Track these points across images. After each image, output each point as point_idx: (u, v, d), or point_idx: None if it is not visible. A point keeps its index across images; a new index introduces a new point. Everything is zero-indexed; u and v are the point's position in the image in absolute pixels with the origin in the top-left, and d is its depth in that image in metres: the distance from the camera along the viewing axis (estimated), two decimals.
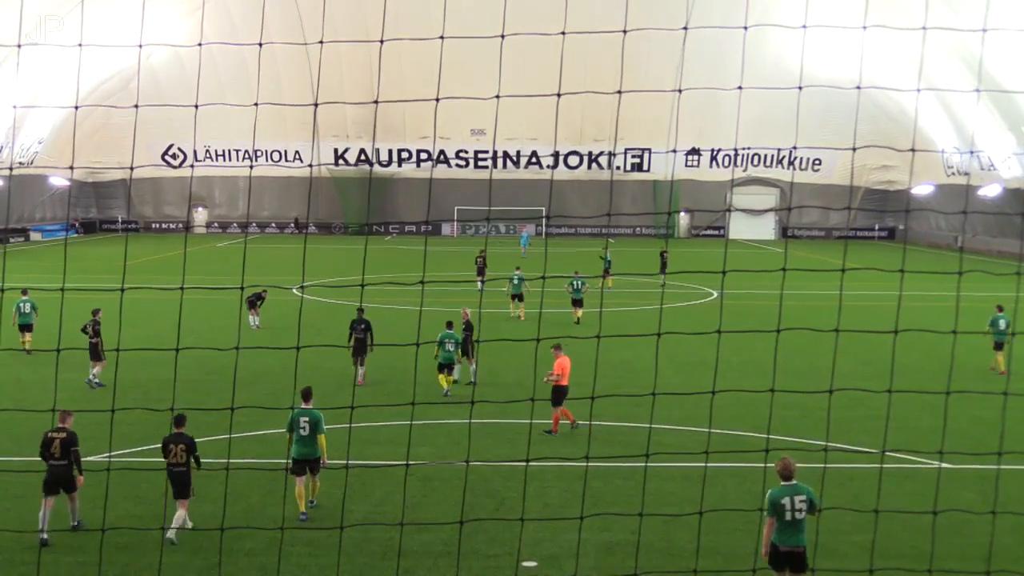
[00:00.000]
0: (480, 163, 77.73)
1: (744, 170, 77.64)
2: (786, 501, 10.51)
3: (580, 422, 18.64)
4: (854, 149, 68.05)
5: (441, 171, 76.78)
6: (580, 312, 32.56)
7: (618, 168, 77.82)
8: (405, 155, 77.98)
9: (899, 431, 18.22)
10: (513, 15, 57.26)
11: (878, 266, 40.87)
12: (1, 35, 46.00)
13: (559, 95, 9.89)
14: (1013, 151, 58.10)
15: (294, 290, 36.63)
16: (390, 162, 78.09)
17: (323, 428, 14.08)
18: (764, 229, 79.54)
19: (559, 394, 18.31)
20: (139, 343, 23.84)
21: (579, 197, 77.00)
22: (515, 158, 77.34)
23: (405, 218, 77.91)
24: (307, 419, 14.02)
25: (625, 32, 10.72)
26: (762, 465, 13.80)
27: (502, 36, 9.81)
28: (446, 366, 21.65)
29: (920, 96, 60.43)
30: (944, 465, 15.99)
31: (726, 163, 76.54)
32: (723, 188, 76.82)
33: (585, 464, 14.77)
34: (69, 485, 13.17)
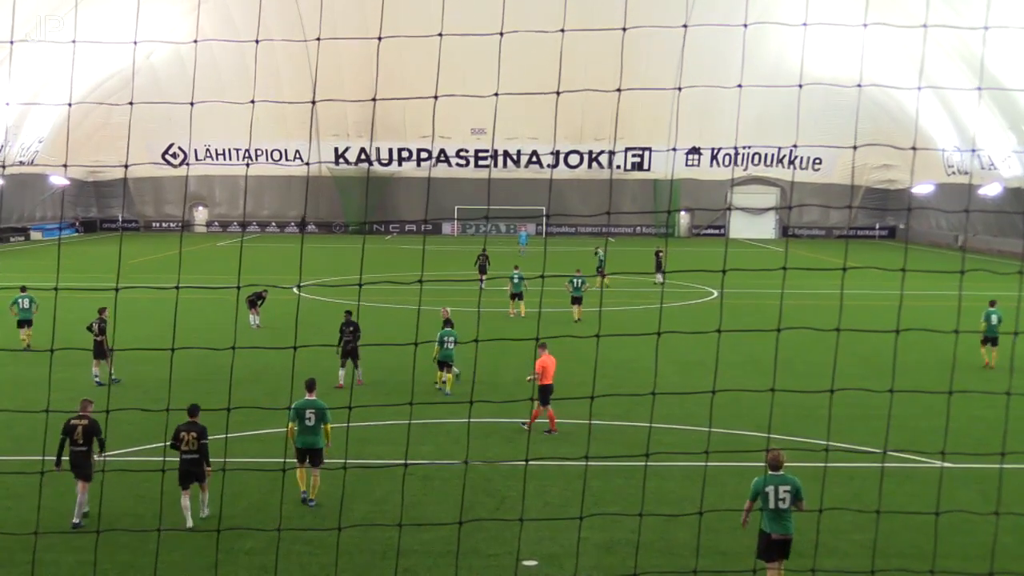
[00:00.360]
0: (480, 162, 77.68)
1: (744, 169, 77.57)
2: (769, 490, 10.94)
3: (576, 421, 18.59)
4: (854, 148, 68.06)
5: (441, 170, 76.75)
6: (579, 310, 32.59)
7: (618, 167, 77.76)
8: (405, 154, 77.94)
9: (900, 430, 18.18)
10: (513, 13, 57.24)
11: (879, 265, 40.84)
12: (1, 35, 45.94)
13: (558, 93, 9.85)
14: (1013, 150, 58.03)
15: (294, 289, 36.60)
16: (390, 161, 78.04)
17: (329, 418, 14.41)
18: (764, 228, 79.49)
19: (545, 392, 18.29)
20: (139, 342, 23.85)
21: (579, 196, 76.97)
22: (515, 157, 77.28)
23: (405, 217, 77.86)
24: (312, 410, 14.35)
25: (625, 30, 10.67)
26: (762, 464, 13.75)
27: (501, 34, 9.77)
28: (445, 363, 21.72)
29: (920, 95, 60.38)
30: (946, 465, 15.95)
31: (726, 162, 76.46)
32: (723, 187, 76.77)
33: (585, 463, 14.74)
34: (86, 473, 13.57)
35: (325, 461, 14.84)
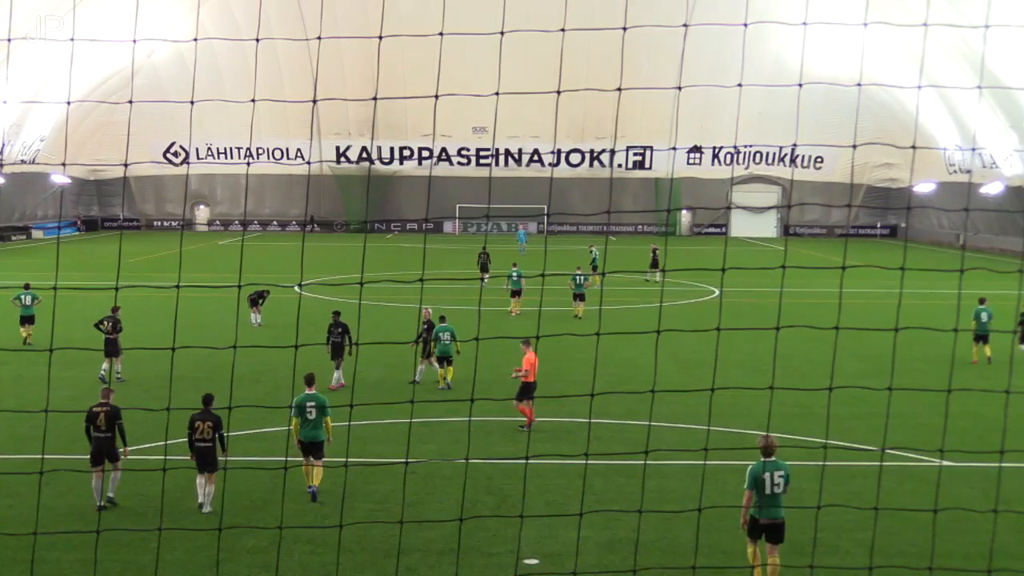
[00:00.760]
0: (482, 161, 77.66)
1: (745, 168, 77.55)
2: (766, 476, 11.31)
3: (577, 420, 18.61)
4: (855, 147, 68.00)
5: (442, 169, 76.76)
6: (582, 307, 32.71)
7: (619, 166, 77.74)
8: (407, 153, 77.95)
9: (900, 428, 18.19)
10: (514, 13, 57.27)
11: (879, 264, 40.85)
12: (1, 33, 45.99)
13: (559, 92, 9.86)
14: (1015, 148, 57.99)
15: (295, 288, 36.62)
16: (392, 160, 78.05)
17: (328, 411, 14.73)
18: (766, 227, 79.48)
19: (526, 389, 18.42)
20: (140, 341, 23.87)
21: (580, 195, 76.98)
22: (517, 156, 77.27)
23: (407, 216, 77.89)
24: (313, 403, 14.66)
25: (625, 29, 10.69)
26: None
27: (502, 33, 9.78)
28: (443, 359, 21.94)
29: (921, 93, 60.34)
30: (945, 463, 15.97)
31: (727, 161, 76.43)
32: (724, 186, 76.75)
33: (585, 462, 14.76)
34: (112, 455, 14.06)
35: (326, 458, 14.96)
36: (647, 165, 77.93)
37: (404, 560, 12.24)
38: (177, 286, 8.82)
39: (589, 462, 15.55)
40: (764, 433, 11.85)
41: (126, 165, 9.09)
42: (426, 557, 12.50)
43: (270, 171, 76.37)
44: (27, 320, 27.26)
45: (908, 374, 23.16)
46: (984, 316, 25.66)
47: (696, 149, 75.97)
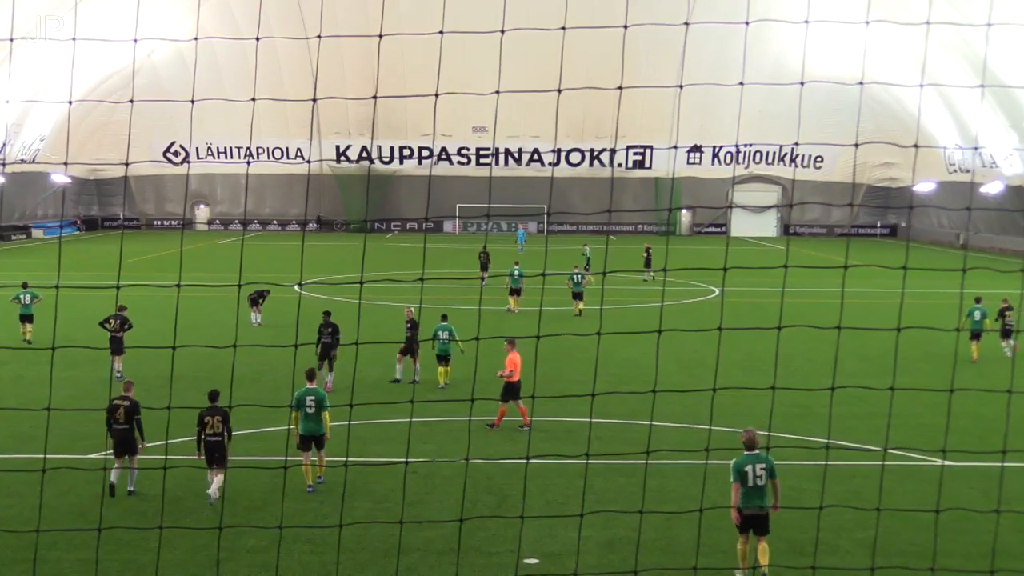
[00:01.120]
0: (482, 160, 77.63)
1: (746, 167, 77.51)
2: (749, 468, 11.65)
3: (578, 419, 18.58)
4: (856, 145, 67.96)
5: (443, 168, 76.72)
6: (581, 305, 32.81)
7: (620, 165, 77.70)
8: (407, 152, 77.93)
9: (901, 428, 18.18)
10: (514, 11, 57.22)
11: (880, 263, 40.82)
12: (2, 33, 45.97)
13: (560, 91, 9.84)
14: (1015, 148, 57.98)
15: (295, 287, 36.60)
16: (392, 159, 78.03)
17: (327, 405, 15.07)
18: (766, 226, 79.47)
19: (509, 389, 18.44)
20: (140, 340, 23.83)
21: (581, 194, 76.94)
22: (517, 155, 77.24)
23: (407, 215, 77.88)
24: (313, 398, 14.98)
25: (626, 28, 10.67)
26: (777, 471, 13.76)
27: (502, 32, 9.76)
28: (442, 357, 22.07)
29: (922, 93, 60.29)
30: (947, 463, 15.95)
31: (728, 160, 76.41)
32: (725, 185, 76.74)
33: (586, 461, 14.74)
34: (131, 448, 14.60)
35: (327, 457, 15.03)
36: (647, 164, 77.90)
37: (404, 560, 12.22)
38: (178, 285, 8.80)
39: (590, 462, 15.53)
40: (749, 428, 12.15)
41: (127, 164, 9.08)
42: (426, 557, 12.48)
43: (270, 171, 76.36)
44: (26, 319, 27.39)
45: (908, 373, 23.15)
46: (978, 315, 26.15)
47: (696, 148, 75.95)
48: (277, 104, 66.74)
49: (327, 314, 22.53)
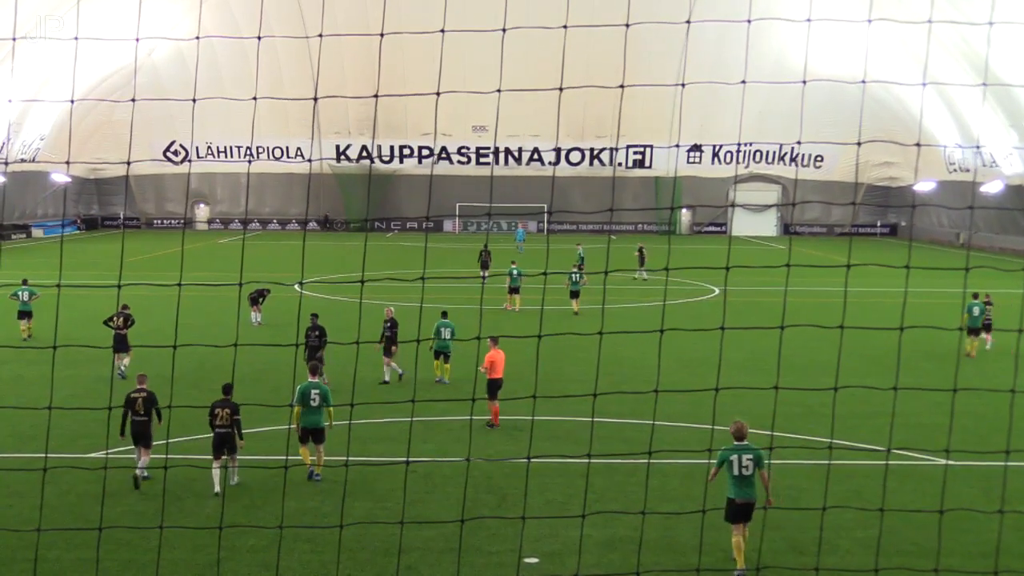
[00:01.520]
0: (482, 159, 77.58)
1: (746, 166, 77.43)
2: (734, 459, 11.98)
3: (578, 419, 18.55)
4: (857, 144, 67.93)
5: (443, 168, 76.64)
6: (576, 304, 32.93)
7: (620, 164, 77.65)
8: (407, 151, 77.90)
9: (904, 428, 18.13)
10: (515, 11, 57.13)
11: (881, 262, 40.80)
12: (3, 32, 45.97)
13: (560, 90, 9.81)
14: (1015, 147, 57.96)
15: (295, 286, 36.59)
16: (392, 158, 77.99)
17: (331, 400, 15.51)
18: (766, 225, 79.44)
19: (493, 387, 18.50)
20: (140, 339, 23.84)
21: (581, 194, 76.88)
22: (517, 155, 77.21)
23: (407, 214, 77.86)
24: (317, 391, 15.42)
25: (627, 27, 10.63)
26: (765, 462, 13.72)
27: (503, 31, 9.73)
28: (441, 353, 22.28)
29: (923, 92, 60.26)
30: (950, 463, 15.92)
31: (728, 159, 76.39)
32: (725, 184, 76.72)
33: (587, 461, 14.72)
34: (147, 439, 15.14)
35: (327, 457, 15.01)
36: (647, 164, 77.85)
37: (404, 559, 12.20)
38: (179, 284, 8.78)
39: (591, 461, 15.50)
40: (737, 420, 12.47)
41: (128, 164, 9.05)
42: (426, 556, 12.46)
43: (270, 170, 76.34)
44: (25, 315, 27.62)
45: (911, 373, 23.14)
46: (976, 310, 26.67)
47: (697, 147, 75.89)
48: (277, 103, 66.71)
49: (315, 316, 22.34)
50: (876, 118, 67.77)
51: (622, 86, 8.91)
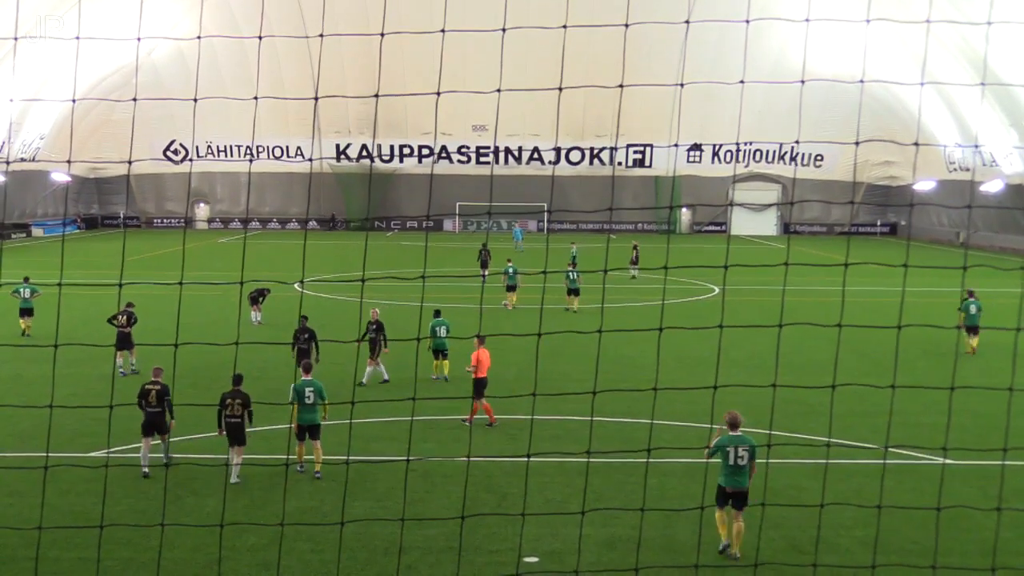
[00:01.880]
0: (482, 159, 77.63)
1: (746, 166, 77.49)
2: (730, 449, 12.35)
3: (577, 418, 18.59)
4: (856, 144, 67.99)
5: (443, 167, 76.68)
6: (576, 301, 33.04)
7: (620, 164, 77.69)
8: (407, 151, 77.94)
9: (902, 427, 18.18)
10: (515, 10, 57.18)
11: (880, 261, 40.80)
12: (2, 33, 46.02)
13: (560, 89, 9.84)
14: (1015, 146, 57.98)
15: (295, 286, 36.62)
16: (392, 158, 78.02)
17: (325, 395, 15.69)
18: (766, 225, 79.48)
19: (479, 386, 18.55)
20: (141, 338, 23.86)
21: (581, 193, 76.92)
22: (517, 154, 77.26)
23: (407, 214, 77.91)
24: (312, 389, 15.57)
25: (627, 26, 10.66)
26: (763, 461, 13.77)
27: (503, 30, 9.76)
28: (439, 352, 22.45)
29: (922, 91, 60.27)
30: (947, 461, 15.95)
31: (728, 159, 76.40)
32: (725, 184, 76.73)
33: (587, 460, 14.75)
34: (161, 428, 15.62)
35: (326, 456, 15.06)
36: (647, 163, 77.89)
37: (404, 558, 12.23)
38: (180, 283, 8.81)
39: (590, 460, 15.53)
40: (732, 410, 12.77)
41: (129, 163, 9.08)
42: (426, 555, 12.49)
43: (270, 169, 76.40)
44: (26, 312, 27.83)
45: (909, 371, 23.17)
46: (973, 308, 26.70)
47: (696, 147, 75.92)
48: (277, 102, 66.78)
49: (304, 319, 21.95)
50: (877, 117, 67.81)
51: (621, 86, 8.94)
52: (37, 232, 69.06)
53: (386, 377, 22.40)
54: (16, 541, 12.69)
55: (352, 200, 77.84)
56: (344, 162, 77.70)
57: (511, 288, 34.27)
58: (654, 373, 11.80)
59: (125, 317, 22.81)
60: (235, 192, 79.91)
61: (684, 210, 79.44)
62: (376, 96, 11.01)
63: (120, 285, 9.47)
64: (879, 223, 79.77)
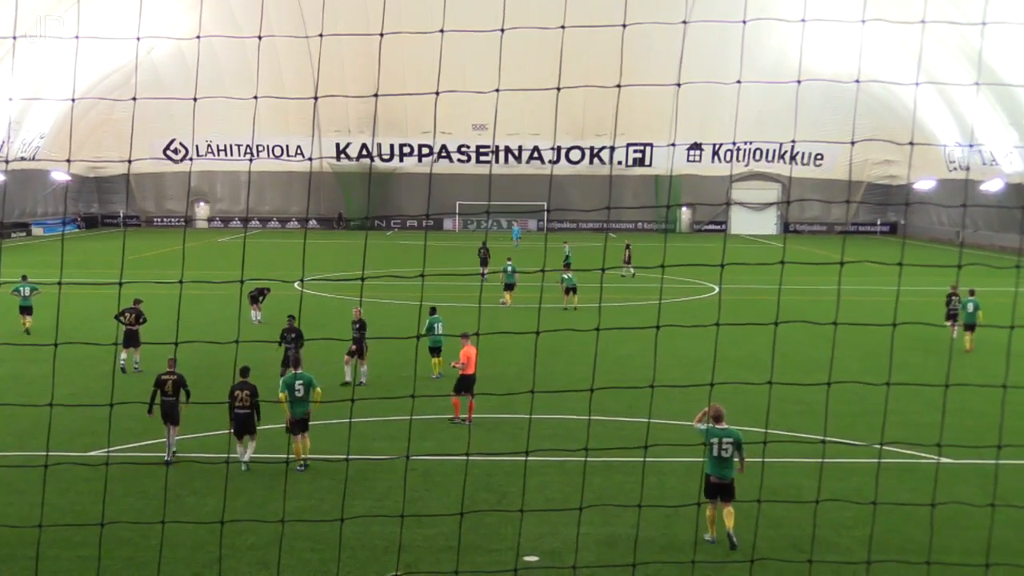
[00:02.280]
0: (482, 158, 77.67)
1: (745, 165, 77.55)
2: (714, 441, 12.88)
3: (576, 417, 18.62)
4: (853, 143, 68.02)
5: (443, 166, 76.75)
6: (575, 298, 33.11)
7: (619, 163, 77.73)
8: (407, 150, 77.98)
9: (898, 425, 18.23)
10: (514, 10, 57.22)
11: (878, 260, 40.81)
12: (1, 32, 46.05)
13: (559, 89, 9.88)
14: (1015, 145, 58.01)
15: (296, 284, 36.65)
16: (392, 157, 78.06)
17: (316, 384, 16.11)
18: (766, 224, 79.51)
19: (463, 382, 18.66)
20: (142, 337, 23.87)
21: (580, 192, 76.96)
22: (516, 153, 77.30)
23: (407, 213, 77.97)
24: (301, 382, 15.99)
25: (625, 26, 10.71)
26: (760, 460, 13.83)
27: (502, 30, 9.81)
28: (436, 349, 22.59)
29: (921, 91, 60.30)
30: (943, 459, 16.00)
31: (727, 158, 76.44)
32: (724, 183, 76.73)
33: (585, 459, 14.80)
34: (175, 419, 15.95)
35: (326, 455, 15.14)
36: (647, 162, 77.93)
37: (404, 557, 12.28)
38: (180, 282, 8.86)
39: (588, 459, 15.59)
40: (715, 403, 13.12)
41: (128, 162, 9.13)
42: (426, 554, 12.54)
43: (270, 168, 76.43)
44: (25, 311, 28.05)
45: (906, 370, 23.23)
46: (971, 306, 26.98)
47: (696, 146, 75.96)
48: (277, 102, 66.81)
49: (291, 318, 21.66)
50: (877, 116, 67.83)
51: (619, 85, 8.99)
52: (37, 231, 69.10)
53: (363, 380, 22.11)
54: (16, 540, 12.73)
55: (352, 199, 77.87)
56: (344, 161, 77.75)
57: (509, 287, 34.40)
58: (652, 372, 11.85)
59: (133, 315, 22.91)
60: (235, 191, 79.95)
61: (684, 209, 79.49)
62: (376, 95, 11.03)
63: (120, 284, 9.53)
64: (879, 222, 79.81)
